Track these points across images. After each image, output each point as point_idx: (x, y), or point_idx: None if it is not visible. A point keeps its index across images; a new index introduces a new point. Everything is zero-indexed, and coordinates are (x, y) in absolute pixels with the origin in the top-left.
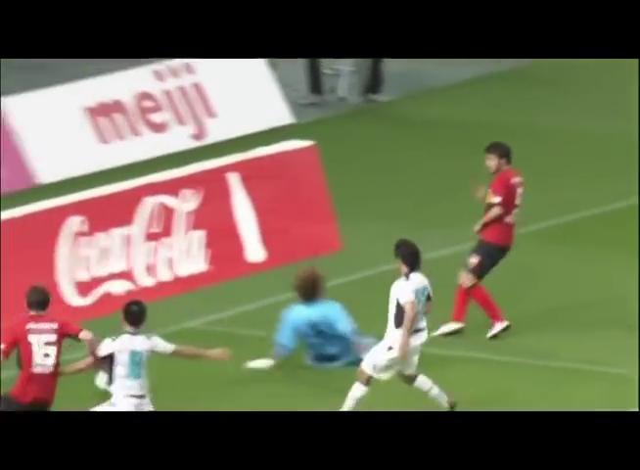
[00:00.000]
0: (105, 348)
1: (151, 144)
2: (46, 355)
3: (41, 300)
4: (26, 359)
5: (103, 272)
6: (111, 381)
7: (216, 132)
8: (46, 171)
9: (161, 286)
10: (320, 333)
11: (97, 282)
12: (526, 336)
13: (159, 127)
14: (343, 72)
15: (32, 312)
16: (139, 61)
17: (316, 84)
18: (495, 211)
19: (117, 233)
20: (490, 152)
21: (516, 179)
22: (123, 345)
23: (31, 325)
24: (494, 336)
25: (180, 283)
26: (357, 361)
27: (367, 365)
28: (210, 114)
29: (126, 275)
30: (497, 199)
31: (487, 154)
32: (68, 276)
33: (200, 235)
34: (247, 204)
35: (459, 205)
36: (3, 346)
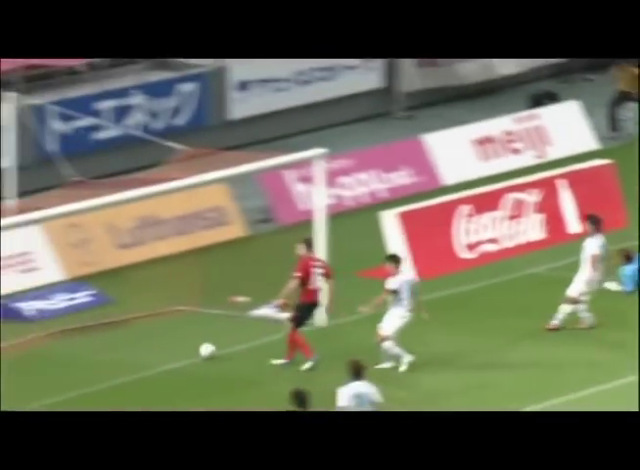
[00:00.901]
0: (395, 282)
1: (511, 162)
2: (318, 280)
3: (309, 242)
4: (308, 281)
5: (482, 238)
6: (398, 302)
7: (551, 154)
8: (448, 177)
9: (517, 247)
10: None
11: (478, 244)
12: None
13: (516, 151)
14: (629, 117)
15: (312, 255)
16: (502, 112)
17: (614, 125)
18: None
19: (490, 215)
20: None
21: None
22: (405, 278)
23: (313, 262)
24: None
25: (529, 245)
26: None
27: (573, 292)
28: (548, 143)
29: (496, 240)
30: None
31: None
32: (461, 241)
33: (540, 217)
34: (568, 198)
35: None
36: (299, 274)
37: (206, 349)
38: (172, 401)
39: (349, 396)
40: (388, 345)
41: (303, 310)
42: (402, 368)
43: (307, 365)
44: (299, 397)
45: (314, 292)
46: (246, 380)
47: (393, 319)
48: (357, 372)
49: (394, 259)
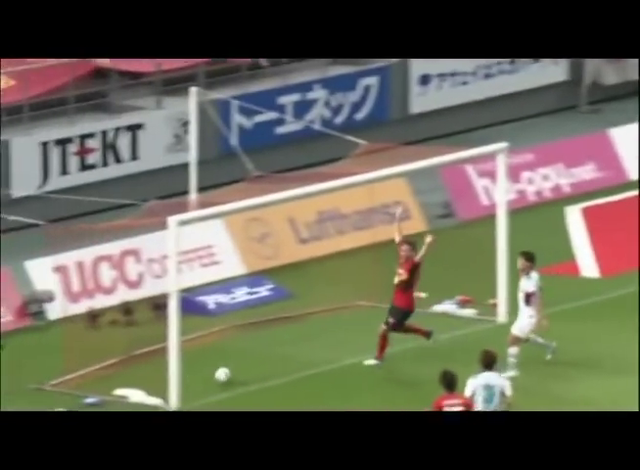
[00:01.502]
0: (531, 284)
1: None
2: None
3: (414, 245)
4: (412, 284)
5: None
6: (530, 302)
7: None
8: (635, 172)
9: None
10: None
11: None
12: None
13: None
14: None
15: (417, 257)
16: None
17: None
18: None
19: None
20: None
21: None
22: (537, 277)
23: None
24: None
25: None
26: None
27: None
28: None
29: None
30: None
31: None
32: None
33: None
34: None
35: None
36: (407, 275)
37: (222, 373)
38: (347, 399)
39: (478, 385)
40: (513, 351)
41: (401, 316)
42: (548, 357)
43: (371, 362)
44: (448, 377)
45: (413, 299)
46: (422, 379)
47: (525, 320)
48: (489, 363)
49: (529, 257)
